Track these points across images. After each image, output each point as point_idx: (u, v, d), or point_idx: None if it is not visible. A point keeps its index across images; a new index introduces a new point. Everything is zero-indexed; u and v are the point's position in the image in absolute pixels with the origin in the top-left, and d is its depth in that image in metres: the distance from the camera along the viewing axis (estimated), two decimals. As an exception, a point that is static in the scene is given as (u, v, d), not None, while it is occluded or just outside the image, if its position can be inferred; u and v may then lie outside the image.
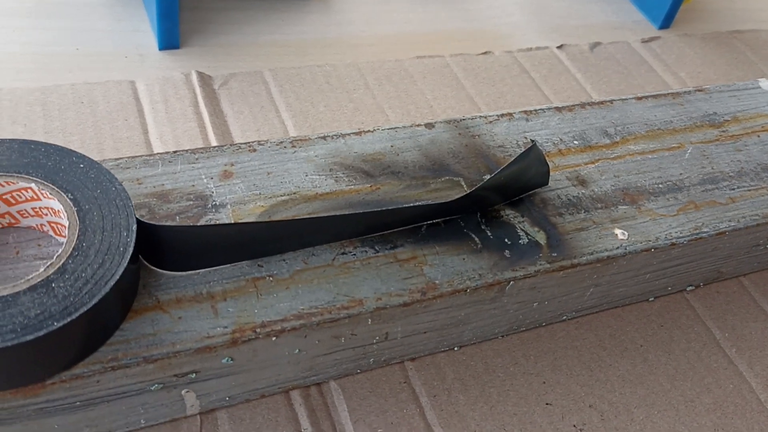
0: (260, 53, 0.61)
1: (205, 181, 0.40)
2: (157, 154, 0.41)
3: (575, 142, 0.48)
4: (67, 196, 0.34)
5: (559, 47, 0.69)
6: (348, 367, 0.40)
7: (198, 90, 0.55)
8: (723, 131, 0.52)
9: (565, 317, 0.46)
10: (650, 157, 0.48)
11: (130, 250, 0.32)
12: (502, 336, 0.44)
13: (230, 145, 0.43)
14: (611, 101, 0.52)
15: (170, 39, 0.59)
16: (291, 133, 0.54)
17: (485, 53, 0.66)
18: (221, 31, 0.62)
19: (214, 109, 0.54)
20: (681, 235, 0.43)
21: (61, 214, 0.34)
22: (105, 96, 0.53)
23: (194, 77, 0.56)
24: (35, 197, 0.35)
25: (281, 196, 0.40)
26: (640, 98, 0.53)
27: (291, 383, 0.39)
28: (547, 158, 0.46)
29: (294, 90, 0.57)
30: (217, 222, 0.38)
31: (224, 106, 0.55)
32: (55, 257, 0.32)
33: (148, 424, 0.37)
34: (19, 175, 0.34)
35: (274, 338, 0.35)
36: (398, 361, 0.42)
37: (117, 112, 0.53)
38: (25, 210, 0.35)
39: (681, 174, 0.47)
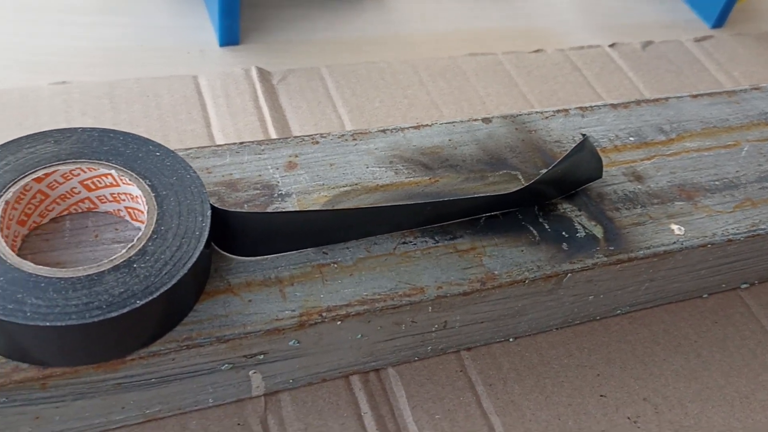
0: (317, 50, 0.62)
1: (271, 171, 0.41)
2: (225, 144, 0.42)
3: (631, 138, 0.48)
4: (145, 182, 0.36)
5: (611, 46, 0.69)
6: (406, 354, 0.41)
7: (258, 85, 0.57)
8: (780, 130, 0.52)
9: (619, 311, 0.46)
10: (706, 154, 0.48)
11: (206, 234, 0.34)
12: (557, 328, 0.45)
13: (294, 137, 0.44)
14: (666, 99, 0.52)
15: (231, 36, 0.60)
16: (348, 128, 0.55)
17: (537, 51, 0.66)
18: (279, 27, 0.64)
19: (273, 104, 0.56)
20: (738, 231, 0.43)
21: (139, 200, 0.36)
22: (169, 90, 0.55)
23: (254, 72, 0.58)
24: (114, 183, 0.36)
25: (343, 186, 0.42)
26: (695, 96, 0.53)
27: (351, 368, 0.40)
28: (602, 154, 0.46)
29: (350, 86, 0.59)
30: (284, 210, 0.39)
31: (283, 100, 0.56)
32: (135, 239, 0.33)
33: (216, 403, 0.38)
34: (100, 162, 0.36)
35: (339, 322, 0.36)
36: (454, 350, 0.43)
37: (180, 106, 0.54)
38: (104, 195, 0.37)
39: (737, 171, 0.47)
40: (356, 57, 0.62)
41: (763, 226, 0.44)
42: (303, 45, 0.63)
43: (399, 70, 0.61)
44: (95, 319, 0.30)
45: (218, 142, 0.52)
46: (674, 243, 0.42)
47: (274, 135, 0.53)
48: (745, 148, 0.49)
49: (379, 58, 0.62)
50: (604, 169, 0.45)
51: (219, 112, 0.54)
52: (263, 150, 0.43)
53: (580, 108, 0.50)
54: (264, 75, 0.58)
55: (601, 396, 0.42)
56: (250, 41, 0.62)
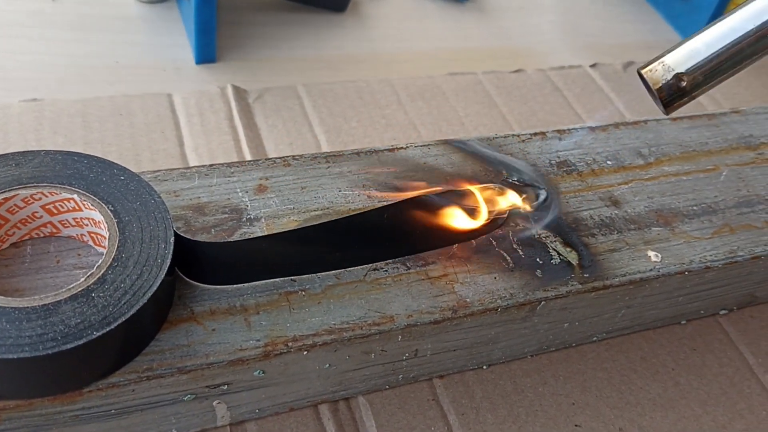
0: (295, 68, 0.62)
1: (240, 194, 0.41)
2: (194, 167, 0.42)
3: (608, 162, 0.48)
4: (108, 207, 0.35)
5: (592, 66, 0.68)
6: (377, 382, 0.40)
7: (233, 104, 0.56)
8: (759, 154, 0.51)
9: (595, 338, 0.45)
10: (685, 178, 0.48)
11: (168, 262, 0.33)
12: (532, 356, 0.44)
13: (265, 159, 0.43)
14: (645, 121, 0.52)
15: (207, 53, 0.60)
16: (324, 148, 0.54)
17: (518, 71, 0.66)
18: (257, 45, 0.63)
19: (248, 123, 0.55)
20: (715, 258, 0.43)
21: (102, 225, 0.35)
22: (143, 108, 0.55)
23: (230, 91, 0.57)
24: (77, 208, 0.35)
25: (314, 211, 0.41)
26: (674, 119, 0.53)
27: (320, 397, 0.39)
28: (579, 178, 0.46)
29: (327, 105, 0.58)
30: (251, 235, 0.38)
31: (258, 119, 0.56)
32: (95, 267, 0.32)
33: (180, 433, 0.37)
34: (62, 186, 0.35)
35: (305, 352, 0.35)
36: (427, 378, 0.42)
37: (154, 125, 0.53)
38: (67, 220, 0.36)
39: (716, 196, 0.47)
40: (334, 76, 0.62)
41: (741, 253, 0.43)
42: (280, 63, 0.62)
43: (377, 89, 0.60)
44: (49, 351, 0.29)
45: (191, 162, 0.51)
46: (651, 270, 0.41)
47: (248, 155, 0.52)
48: (724, 173, 0.49)
49: (357, 76, 0.62)
50: (580, 193, 0.45)
51: (193, 131, 0.53)
52: (233, 173, 0.42)
53: (558, 131, 0.49)
54: (240, 93, 0.57)
55: (576, 426, 0.41)
56: (227, 59, 0.61)
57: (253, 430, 0.38)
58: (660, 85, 0.38)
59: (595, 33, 0.75)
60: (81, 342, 0.30)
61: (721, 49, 0.37)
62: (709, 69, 0.37)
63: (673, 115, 0.54)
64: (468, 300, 0.38)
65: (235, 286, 0.36)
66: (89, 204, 0.35)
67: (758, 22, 0.36)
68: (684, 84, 0.37)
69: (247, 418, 0.39)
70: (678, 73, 0.37)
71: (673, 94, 0.38)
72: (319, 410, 0.40)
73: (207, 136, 0.53)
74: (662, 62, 0.38)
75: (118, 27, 0.62)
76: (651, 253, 0.42)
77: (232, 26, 0.65)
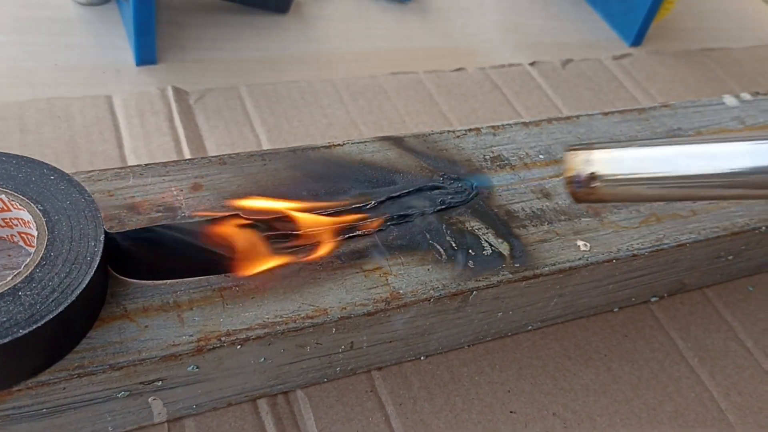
0: (237, 69, 0.62)
1: (174, 193, 0.41)
2: (129, 166, 0.42)
3: (541, 156, 0.49)
4: (37, 207, 0.35)
5: (531, 64, 0.70)
6: (314, 375, 0.41)
7: (173, 105, 0.56)
8: (686, 146, 0.53)
9: (530, 327, 0.47)
10: (614, 171, 0.49)
11: (97, 259, 0.33)
12: (468, 345, 0.45)
13: (201, 158, 0.43)
14: (578, 116, 0.54)
15: (147, 54, 0.59)
16: (264, 148, 0.55)
17: (459, 70, 0.67)
18: (198, 46, 0.63)
19: (189, 124, 0.55)
20: (642, 246, 0.44)
21: (31, 225, 0.35)
22: (81, 111, 0.54)
23: (170, 92, 0.57)
24: (5, 208, 0.35)
25: (250, 208, 0.41)
26: (606, 114, 0.55)
27: (258, 392, 0.40)
28: (512, 171, 0.47)
29: (269, 105, 0.58)
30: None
31: (199, 121, 0.56)
32: (22, 266, 0.32)
33: (116, 431, 0.37)
34: (-11, 187, 0.35)
35: (238, 346, 0.35)
36: (365, 370, 0.43)
37: (93, 127, 0.53)
38: (-4, 221, 0.36)
39: (644, 187, 0.48)
40: (277, 76, 0.62)
41: (667, 241, 0.45)
42: (222, 64, 0.62)
43: (319, 89, 0.61)
44: (-26, 350, 0.29)
45: (130, 164, 0.51)
46: (580, 259, 0.43)
47: (188, 156, 0.53)
48: (653, 165, 0.51)
49: (300, 77, 0.62)
50: (513, 186, 0.46)
51: (132, 133, 0.53)
52: (168, 171, 0.42)
53: (492, 127, 0.51)
54: (180, 94, 0.57)
55: (511, 412, 0.43)
56: (168, 60, 0.61)
57: (191, 426, 0.39)
58: (572, 172, 0.35)
59: (535, 32, 0.76)
60: (6, 340, 0.30)
61: (653, 175, 0.34)
62: (626, 187, 0.35)
63: (605, 109, 0.56)
64: (401, 291, 0.39)
65: (168, 282, 0.36)
66: (18, 204, 0.35)
67: (709, 170, 0.32)
68: (595, 185, 0.35)
69: (185, 414, 0.39)
70: (595, 173, 0.35)
71: (580, 187, 0.35)
72: (257, 404, 0.40)
73: (147, 137, 0.53)
74: (590, 153, 0.35)
75: (57, 29, 0.62)
76: (580, 243, 0.44)
77: (173, 27, 0.65)
